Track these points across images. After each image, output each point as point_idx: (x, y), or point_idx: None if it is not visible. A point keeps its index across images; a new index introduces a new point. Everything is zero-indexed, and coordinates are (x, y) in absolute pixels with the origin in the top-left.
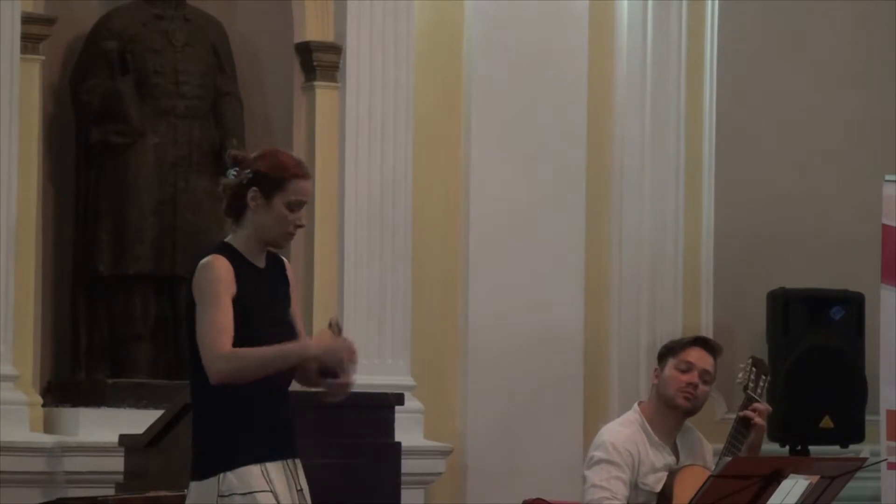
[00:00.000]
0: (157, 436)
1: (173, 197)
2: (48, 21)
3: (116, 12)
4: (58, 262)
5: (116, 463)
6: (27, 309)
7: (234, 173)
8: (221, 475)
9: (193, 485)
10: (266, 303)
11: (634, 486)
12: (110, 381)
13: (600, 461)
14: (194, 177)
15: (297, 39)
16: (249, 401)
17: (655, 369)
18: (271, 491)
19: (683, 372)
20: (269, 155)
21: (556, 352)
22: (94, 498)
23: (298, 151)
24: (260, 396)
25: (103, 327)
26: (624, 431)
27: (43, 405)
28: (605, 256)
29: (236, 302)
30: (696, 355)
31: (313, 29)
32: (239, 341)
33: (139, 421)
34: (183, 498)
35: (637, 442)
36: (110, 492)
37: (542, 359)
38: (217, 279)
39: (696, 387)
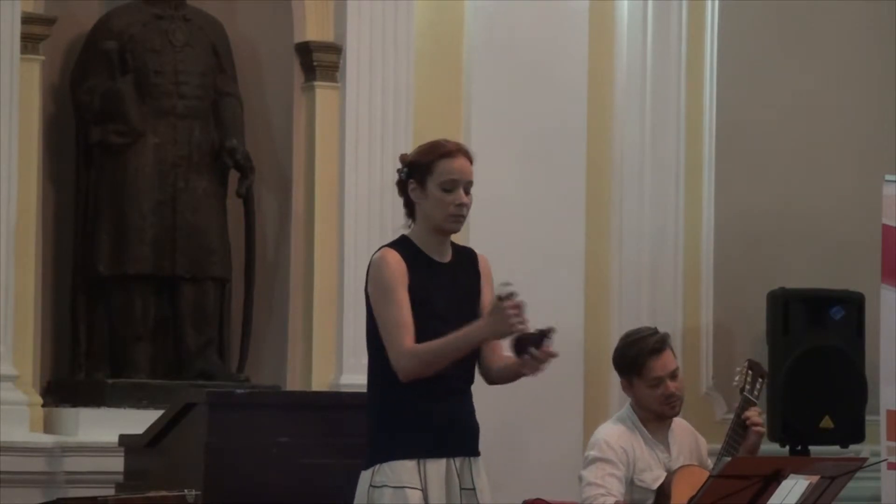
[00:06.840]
0: (157, 436)
1: (173, 197)
2: (48, 21)
3: (116, 12)
4: (58, 262)
5: (116, 463)
6: (27, 309)
7: (400, 172)
8: (377, 466)
9: (361, 473)
10: (439, 296)
11: (630, 483)
12: (110, 381)
13: (595, 460)
14: (194, 177)
15: (297, 39)
16: (416, 398)
17: (622, 381)
18: (422, 489)
19: (656, 387)
20: (422, 145)
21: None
22: (94, 498)
23: (298, 151)
24: (427, 394)
25: (103, 327)
26: (617, 429)
27: (43, 405)
28: (605, 256)
29: (409, 292)
30: (659, 366)
31: (313, 29)
32: (415, 334)
33: (139, 421)
34: (182, 498)
35: (631, 439)
36: (110, 492)
37: None
38: (390, 276)
39: (673, 394)
